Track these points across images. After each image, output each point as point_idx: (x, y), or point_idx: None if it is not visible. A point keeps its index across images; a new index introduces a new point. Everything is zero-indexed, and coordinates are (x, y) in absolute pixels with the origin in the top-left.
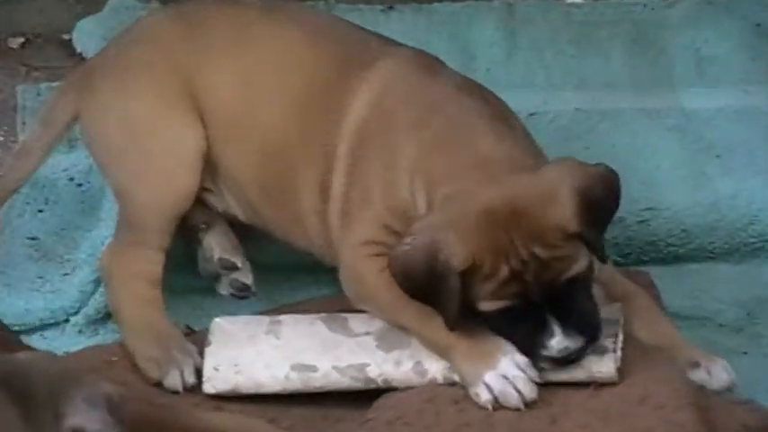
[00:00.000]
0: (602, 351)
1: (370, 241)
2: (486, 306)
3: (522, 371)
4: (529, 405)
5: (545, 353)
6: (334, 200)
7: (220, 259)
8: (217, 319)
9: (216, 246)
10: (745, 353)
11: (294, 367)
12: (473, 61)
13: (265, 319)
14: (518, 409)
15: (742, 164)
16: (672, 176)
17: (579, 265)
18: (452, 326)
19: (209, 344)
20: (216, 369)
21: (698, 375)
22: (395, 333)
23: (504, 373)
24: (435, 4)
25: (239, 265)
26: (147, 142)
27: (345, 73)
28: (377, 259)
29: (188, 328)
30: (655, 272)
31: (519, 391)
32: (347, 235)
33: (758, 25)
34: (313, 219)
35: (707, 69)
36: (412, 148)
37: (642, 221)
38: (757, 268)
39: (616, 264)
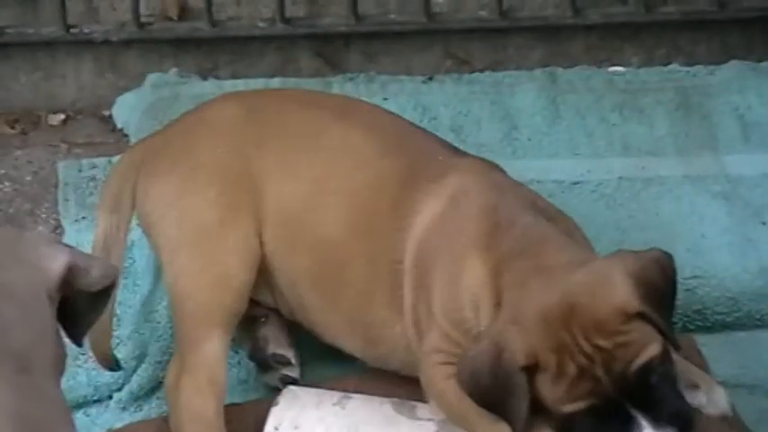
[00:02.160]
0: None
1: (437, 349)
2: (567, 409)
3: None
4: None
5: None
6: (406, 313)
7: (274, 354)
8: (291, 387)
9: (272, 340)
10: None
11: None
12: (515, 130)
13: (339, 393)
14: None
15: None
16: (718, 243)
17: (650, 351)
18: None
19: (275, 404)
20: (276, 428)
21: (696, 398)
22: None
23: None
24: (476, 74)
25: (293, 361)
26: (208, 244)
27: (413, 186)
28: (443, 367)
29: None
30: (702, 340)
31: None
32: (422, 343)
33: None
34: (384, 332)
35: (751, 135)
36: (479, 269)
37: (688, 290)
38: None
39: None
